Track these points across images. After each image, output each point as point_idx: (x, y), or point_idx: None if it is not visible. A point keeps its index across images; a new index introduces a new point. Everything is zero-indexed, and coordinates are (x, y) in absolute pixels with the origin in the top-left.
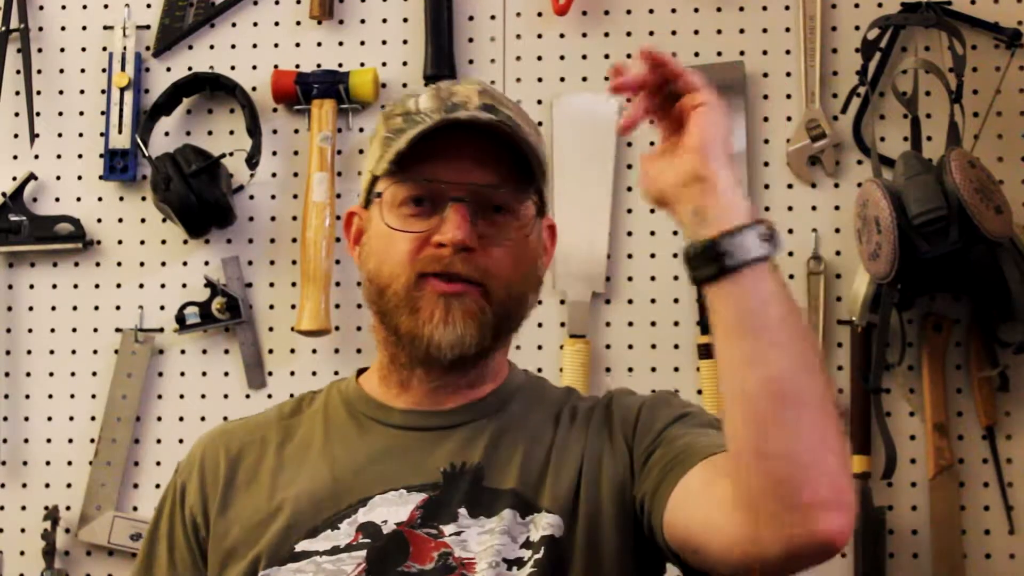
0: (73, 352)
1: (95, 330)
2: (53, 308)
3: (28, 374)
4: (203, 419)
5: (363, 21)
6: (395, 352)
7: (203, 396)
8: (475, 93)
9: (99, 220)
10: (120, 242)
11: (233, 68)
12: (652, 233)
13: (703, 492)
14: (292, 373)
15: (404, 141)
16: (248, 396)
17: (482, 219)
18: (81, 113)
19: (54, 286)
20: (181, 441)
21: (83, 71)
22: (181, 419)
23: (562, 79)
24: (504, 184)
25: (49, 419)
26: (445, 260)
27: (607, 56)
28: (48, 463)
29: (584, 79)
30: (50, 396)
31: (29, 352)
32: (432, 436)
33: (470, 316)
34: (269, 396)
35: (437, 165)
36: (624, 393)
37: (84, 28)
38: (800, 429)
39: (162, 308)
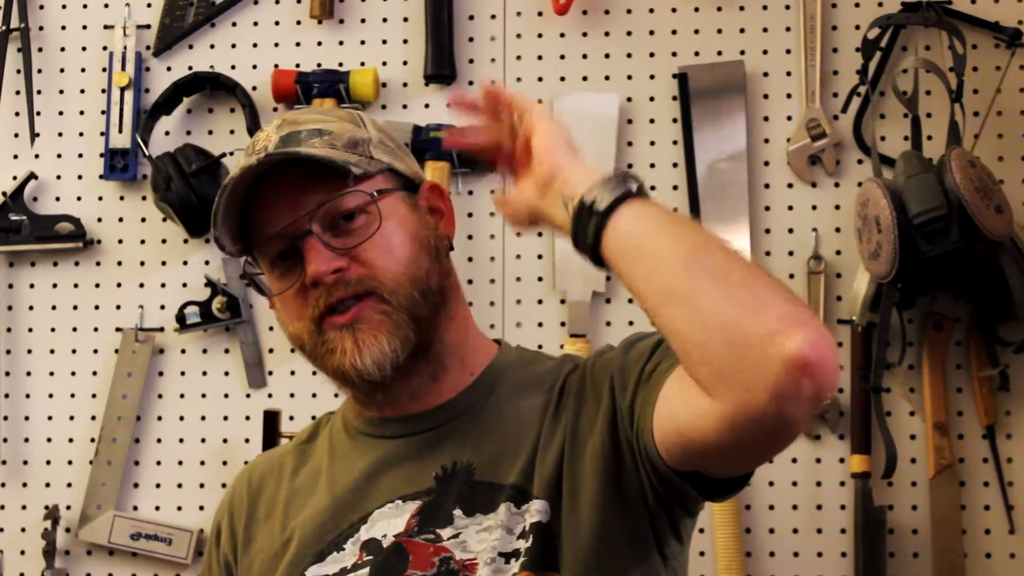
0: (73, 351)
1: (95, 329)
2: (53, 307)
3: (28, 373)
4: (203, 418)
5: (363, 20)
6: (352, 392)
7: (203, 396)
8: (274, 130)
9: (99, 219)
10: (120, 241)
11: (233, 67)
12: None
13: (683, 391)
14: (292, 373)
15: (217, 211)
16: (248, 396)
17: (336, 237)
18: (81, 112)
19: (54, 285)
20: (181, 441)
21: (83, 70)
22: (181, 418)
23: (562, 79)
24: (331, 194)
25: (49, 418)
26: (325, 296)
27: (608, 56)
28: (48, 462)
29: (584, 79)
30: (50, 395)
31: (29, 351)
32: (421, 440)
33: (378, 328)
34: (269, 396)
35: (269, 216)
36: (598, 355)
37: (84, 27)
38: (724, 287)
39: (162, 307)
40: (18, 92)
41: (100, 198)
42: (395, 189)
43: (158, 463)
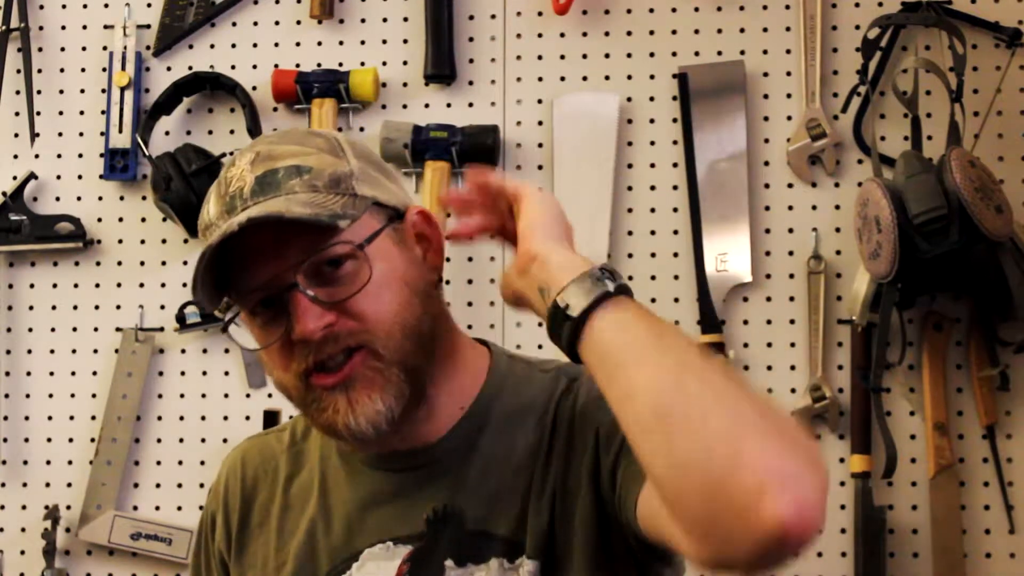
0: (73, 351)
1: (95, 329)
2: (53, 307)
3: (28, 373)
4: (203, 418)
5: (363, 20)
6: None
7: (203, 395)
8: (248, 167)
9: (99, 219)
10: (120, 241)
11: (233, 67)
12: (652, 233)
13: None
14: None
15: (197, 278)
16: (248, 395)
17: (323, 287)
18: (81, 112)
19: (54, 285)
20: (181, 440)
21: (83, 70)
22: (181, 418)
23: (562, 79)
24: (316, 246)
25: (49, 418)
26: (314, 352)
27: (608, 55)
28: (48, 462)
29: (584, 79)
30: (50, 395)
31: (29, 351)
32: (413, 477)
33: (372, 387)
34: (269, 395)
35: (252, 266)
36: (588, 390)
37: (84, 27)
38: (700, 430)
39: (162, 307)
40: (18, 92)
41: (100, 198)
42: (382, 228)
43: (158, 463)
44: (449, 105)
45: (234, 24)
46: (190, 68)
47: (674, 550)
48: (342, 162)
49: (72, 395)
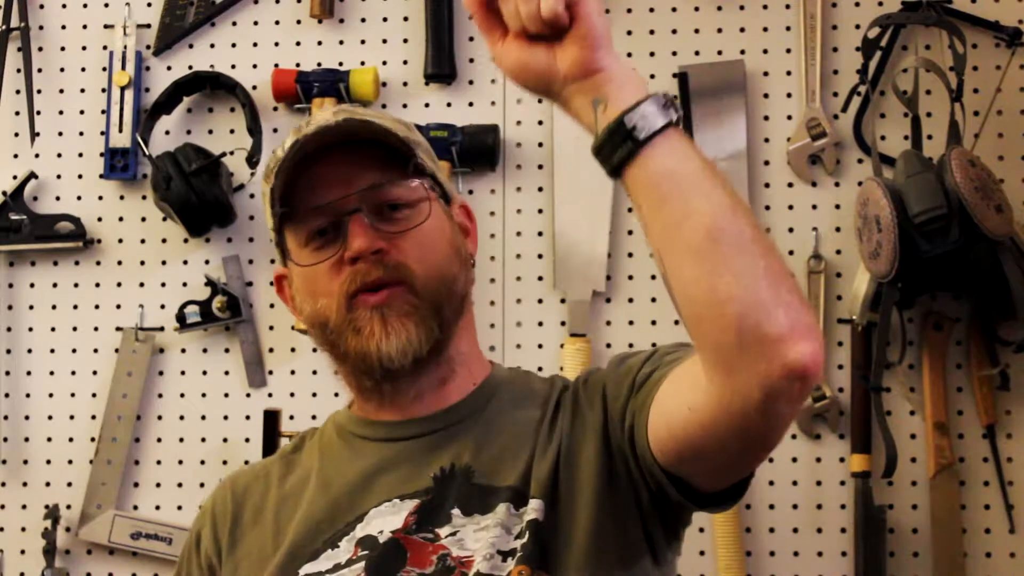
0: (74, 351)
1: (96, 329)
2: (54, 307)
3: (29, 373)
4: (203, 418)
5: (364, 20)
6: (359, 380)
7: (204, 395)
8: (330, 113)
9: (99, 219)
10: (121, 241)
11: (234, 67)
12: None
13: (676, 389)
14: (292, 372)
15: (276, 182)
16: (248, 395)
17: (381, 222)
18: (82, 112)
19: (55, 285)
20: (182, 440)
21: (84, 70)
22: (182, 418)
23: None
24: (387, 180)
25: (50, 418)
26: (363, 273)
27: None
28: (49, 462)
29: None
30: (51, 395)
31: (30, 351)
32: (420, 444)
33: (407, 317)
34: (270, 395)
35: (320, 191)
36: (590, 373)
37: (84, 27)
38: (746, 267)
39: (163, 307)
40: (18, 91)
41: (100, 197)
42: (439, 197)
43: (158, 462)
44: (449, 104)
45: (234, 23)
46: (190, 67)
47: (685, 449)
48: (414, 134)
49: (72, 394)
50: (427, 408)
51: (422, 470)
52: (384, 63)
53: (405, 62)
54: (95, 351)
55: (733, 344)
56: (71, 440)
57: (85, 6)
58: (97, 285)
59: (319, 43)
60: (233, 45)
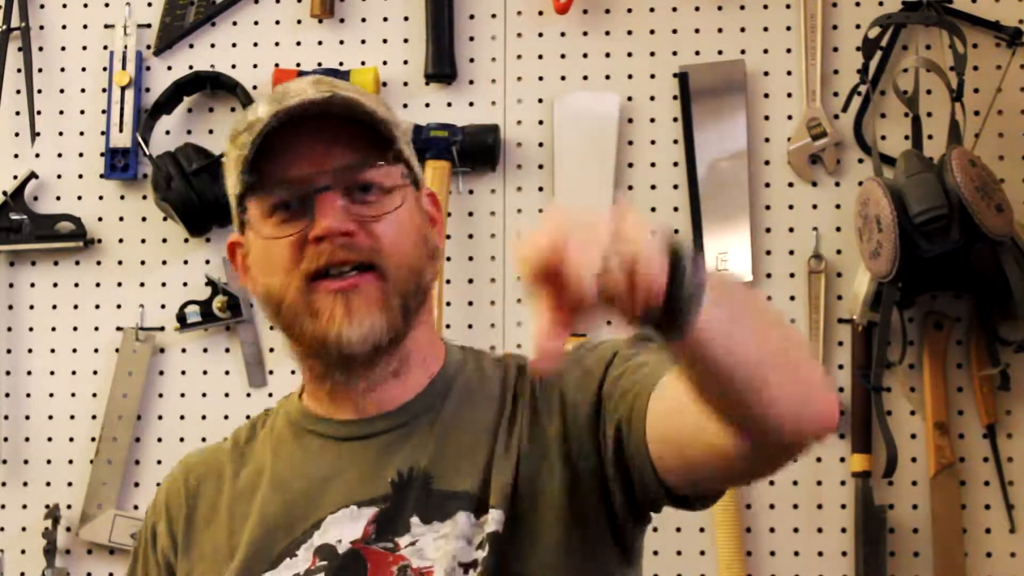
0: (74, 351)
1: (96, 329)
2: (54, 307)
3: (29, 372)
4: (204, 417)
5: (364, 20)
6: (312, 364)
7: (204, 395)
8: (309, 84)
9: (100, 219)
10: (121, 241)
11: (234, 67)
12: (653, 232)
13: (682, 418)
14: (293, 372)
15: (247, 149)
16: (249, 395)
17: (352, 202)
18: (82, 112)
19: (55, 285)
20: (182, 440)
21: (84, 70)
22: (182, 418)
23: (563, 78)
24: (363, 160)
25: (50, 418)
26: (327, 254)
27: (608, 55)
28: (49, 462)
29: (585, 78)
30: (51, 395)
31: (30, 351)
32: (376, 443)
33: (373, 304)
34: (270, 395)
35: (291, 163)
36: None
37: (85, 27)
38: (788, 376)
39: (163, 307)
40: (19, 91)
41: (101, 197)
42: (410, 184)
43: (159, 462)
44: (450, 104)
45: (235, 23)
46: (191, 67)
47: (695, 466)
48: (392, 115)
49: (73, 394)
50: (379, 403)
51: (379, 472)
52: (384, 63)
53: (405, 62)
54: (95, 351)
55: (776, 431)
56: (71, 440)
57: (85, 6)
58: (97, 285)
59: (319, 43)
60: (233, 45)
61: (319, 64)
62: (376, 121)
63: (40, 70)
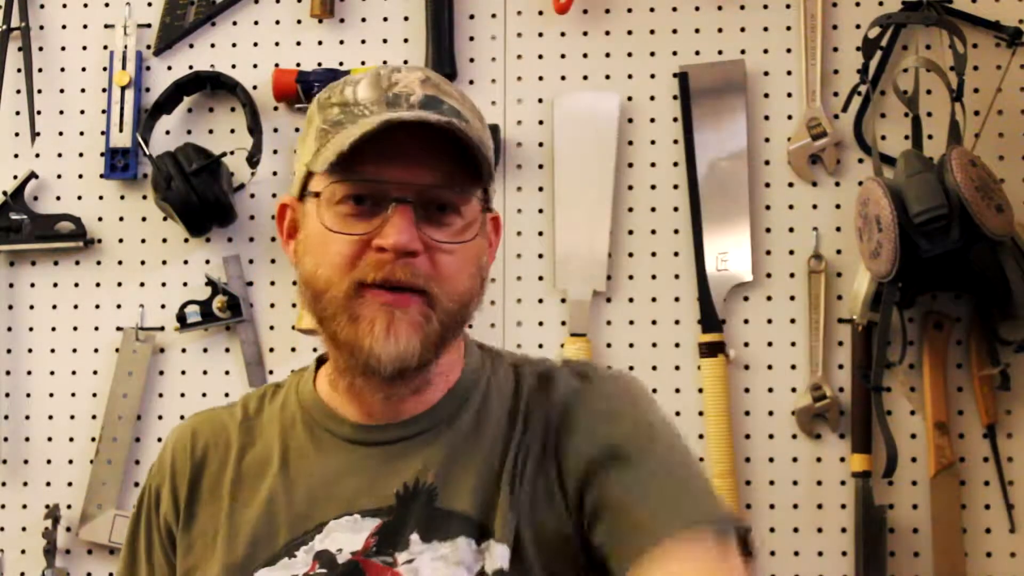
0: (74, 351)
1: (96, 328)
2: (54, 307)
3: (29, 372)
4: None
5: (364, 19)
6: (337, 356)
7: (204, 395)
8: (417, 83)
9: (100, 219)
10: (121, 241)
11: (234, 67)
12: (653, 232)
13: None
14: (293, 371)
15: (345, 142)
16: None
17: (426, 222)
18: (82, 112)
19: (55, 285)
20: None
21: (84, 70)
22: (182, 417)
23: (563, 78)
24: (450, 183)
25: (50, 418)
26: (386, 267)
27: (608, 55)
28: (49, 462)
29: (585, 78)
30: (51, 395)
31: (30, 351)
32: (386, 452)
33: (414, 328)
34: None
35: (379, 162)
36: (564, 412)
37: (85, 27)
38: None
39: (163, 307)
40: (19, 91)
41: (101, 197)
42: (485, 211)
43: None
44: None
45: (235, 23)
46: (191, 67)
47: None
48: (487, 135)
49: (73, 394)
50: (394, 412)
51: (385, 480)
52: (384, 63)
53: (405, 62)
54: (95, 351)
55: None
56: (71, 440)
57: (85, 6)
58: (97, 285)
59: (319, 43)
60: (233, 45)
61: (319, 64)
62: (476, 150)
63: (40, 70)
